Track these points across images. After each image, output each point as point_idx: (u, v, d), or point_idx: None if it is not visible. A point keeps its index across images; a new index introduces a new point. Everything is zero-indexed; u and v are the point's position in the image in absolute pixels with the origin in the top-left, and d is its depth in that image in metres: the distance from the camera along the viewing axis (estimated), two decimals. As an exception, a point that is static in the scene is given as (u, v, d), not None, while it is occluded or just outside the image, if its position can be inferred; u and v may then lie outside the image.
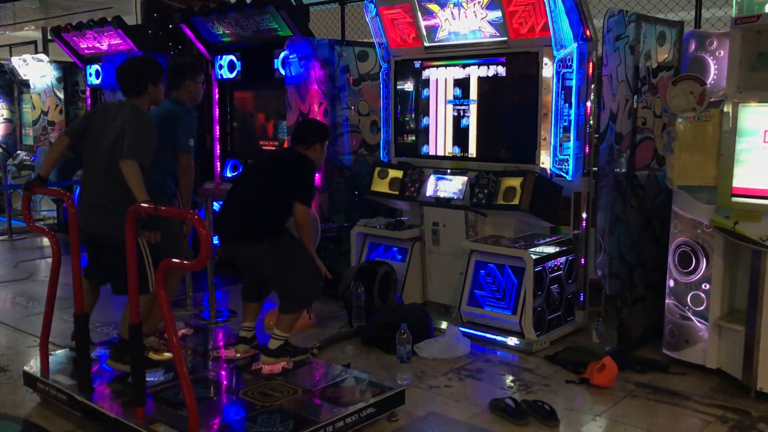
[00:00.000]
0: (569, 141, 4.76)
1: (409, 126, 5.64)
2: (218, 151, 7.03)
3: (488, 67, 5.04)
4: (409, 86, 5.58)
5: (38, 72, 9.48)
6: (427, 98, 5.43)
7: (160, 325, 4.21)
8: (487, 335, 4.79)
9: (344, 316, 5.22)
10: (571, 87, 4.72)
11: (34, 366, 3.98)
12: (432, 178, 5.30)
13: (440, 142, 5.40)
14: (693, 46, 4.26)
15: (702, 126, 4.01)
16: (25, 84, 9.96)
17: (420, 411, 3.75)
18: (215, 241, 4.95)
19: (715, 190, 3.98)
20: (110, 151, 3.73)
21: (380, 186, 5.55)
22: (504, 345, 4.71)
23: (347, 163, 6.14)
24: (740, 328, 3.93)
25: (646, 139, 4.68)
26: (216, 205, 5.66)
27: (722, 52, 4.09)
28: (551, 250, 4.82)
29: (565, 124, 4.74)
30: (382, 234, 5.55)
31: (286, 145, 6.04)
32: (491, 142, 5.17)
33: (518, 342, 4.66)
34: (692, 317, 4.16)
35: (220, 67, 6.83)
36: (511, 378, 4.23)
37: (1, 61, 10.91)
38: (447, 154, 5.36)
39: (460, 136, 5.27)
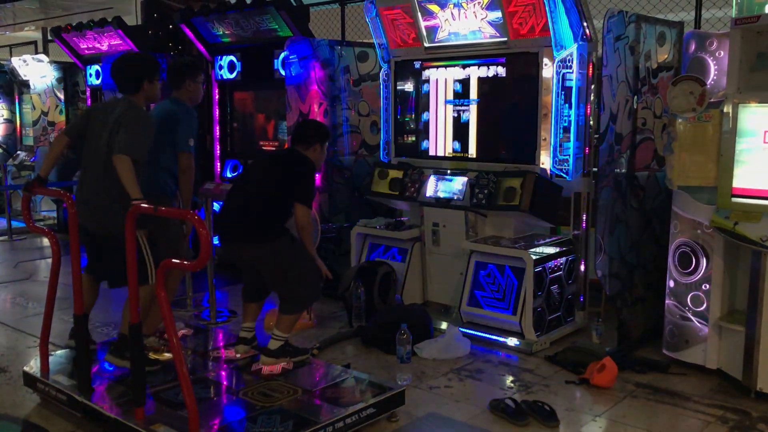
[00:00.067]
0: (569, 141, 4.76)
1: (409, 126, 5.64)
2: (218, 152, 7.03)
3: (488, 68, 5.04)
4: (409, 87, 5.58)
5: (38, 72, 9.49)
6: (427, 99, 5.43)
7: (160, 326, 4.21)
8: (487, 336, 4.79)
9: (344, 316, 5.22)
10: (571, 87, 4.72)
11: (34, 366, 3.98)
12: (432, 179, 5.30)
13: (440, 143, 5.40)
14: (693, 47, 4.26)
15: (702, 126, 4.01)
16: (26, 84, 9.97)
17: (420, 411, 3.75)
18: (215, 241, 4.96)
19: (715, 190, 3.98)
20: (108, 149, 3.73)
21: (380, 186, 5.55)
22: (504, 345, 4.71)
23: (347, 164, 6.14)
24: (740, 328, 3.93)
25: (646, 140, 4.69)
26: (216, 206, 5.66)
27: (722, 53, 4.09)
28: (551, 250, 4.82)
29: (565, 124, 4.74)
30: (382, 234, 5.55)
31: (286, 145, 6.04)
32: (491, 143, 5.17)
33: (518, 342, 4.66)
34: (692, 318, 4.16)
35: (220, 67, 6.83)
36: (511, 378, 4.23)
37: (2, 62, 10.92)
38: (447, 155, 5.36)
39: (460, 136, 5.27)
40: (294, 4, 6.20)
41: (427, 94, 5.43)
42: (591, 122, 4.78)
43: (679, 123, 4.09)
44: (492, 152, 5.14)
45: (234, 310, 5.56)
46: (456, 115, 5.28)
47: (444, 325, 4.99)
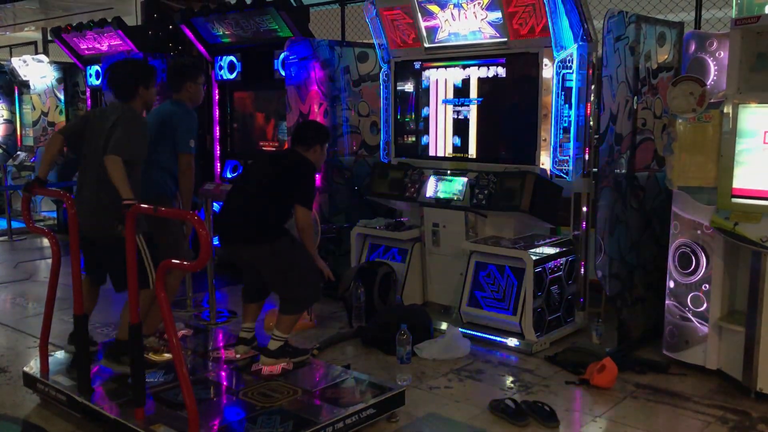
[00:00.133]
0: (569, 142, 4.76)
1: (409, 127, 5.64)
2: (218, 152, 7.03)
3: (488, 68, 5.04)
4: (409, 87, 5.58)
5: (38, 73, 9.48)
6: (427, 99, 5.43)
7: (160, 326, 4.21)
8: (487, 336, 4.79)
9: (344, 316, 5.22)
10: (571, 88, 4.72)
11: (33, 367, 3.98)
12: (432, 179, 5.30)
13: (440, 143, 5.40)
14: (693, 47, 4.26)
15: (702, 127, 4.01)
16: (26, 85, 9.96)
17: (420, 412, 3.75)
18: (215, 241, 4.95)
19: (715, 191, 3.98)
20: (104, 152, 3.73)
21: (380, 187, 5.55)
22: (504, 346, 4.71)
23: (347, 164, 6.14)
24: (740, 328, 3.93)
25: (646, 140, 4.69)
26: (216, 206, 5.66)
27: (722, 53, 4.09)
28: (551, 250, 4.82)
29: (565, 125, 4.74)
30: (382, 235, 5.55)
31: (286, 146, 6.04)
32: (491, 143, 5.17)
33: (518, 343, 4.66)
34: (692, 318, 4.16)
35: (221, 67, 6.83)
36: (511, 379, 4.23)
37: (2, 62, 10.91)
38: (447, 155, 5.36)
39: (460, 136, 5.28)
40: (294, 4, 6.20)
41: (427, 94, 5.43)
42: (591, 123, 4.78)
43: (679, 123, 4.09)
44: (492, 153, 5.14)
45: (234, 310, 5.56)
46: (456, 115, 5.27)
47: (444, 326, 4.99)
